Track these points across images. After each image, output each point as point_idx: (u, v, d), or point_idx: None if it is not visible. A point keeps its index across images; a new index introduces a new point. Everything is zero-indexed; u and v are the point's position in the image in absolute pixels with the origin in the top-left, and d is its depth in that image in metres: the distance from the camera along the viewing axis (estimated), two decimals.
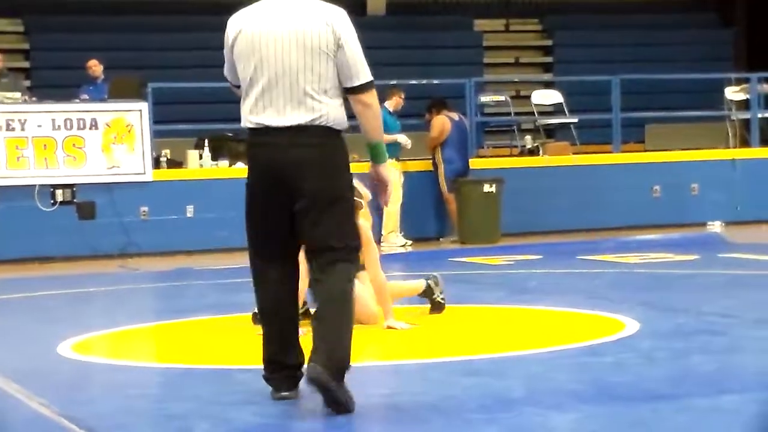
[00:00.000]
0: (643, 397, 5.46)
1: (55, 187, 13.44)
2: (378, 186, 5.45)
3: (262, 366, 5.53)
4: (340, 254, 5.23)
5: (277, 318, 5.44)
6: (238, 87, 5.41)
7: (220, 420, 5.35)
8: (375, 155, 5.40)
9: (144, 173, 13.81)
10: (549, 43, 21.59)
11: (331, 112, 5.26)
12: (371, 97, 5.32)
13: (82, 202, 13.59)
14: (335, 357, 5.11)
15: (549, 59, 21.48)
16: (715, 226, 15.15)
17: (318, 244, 5.24)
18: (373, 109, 5.33)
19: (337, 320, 5.20)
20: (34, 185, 13.33)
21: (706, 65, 19.26)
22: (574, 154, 15.84)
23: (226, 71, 5.47)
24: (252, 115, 5.30)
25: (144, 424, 5.41)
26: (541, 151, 15.85)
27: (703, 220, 15.26)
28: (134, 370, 6.75)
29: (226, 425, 5.26)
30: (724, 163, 15.85)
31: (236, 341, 7.38)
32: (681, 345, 6.87)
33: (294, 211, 5.25)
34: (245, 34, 5.27)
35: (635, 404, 5.32)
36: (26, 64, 18.72)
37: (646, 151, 17.68)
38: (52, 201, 13.45)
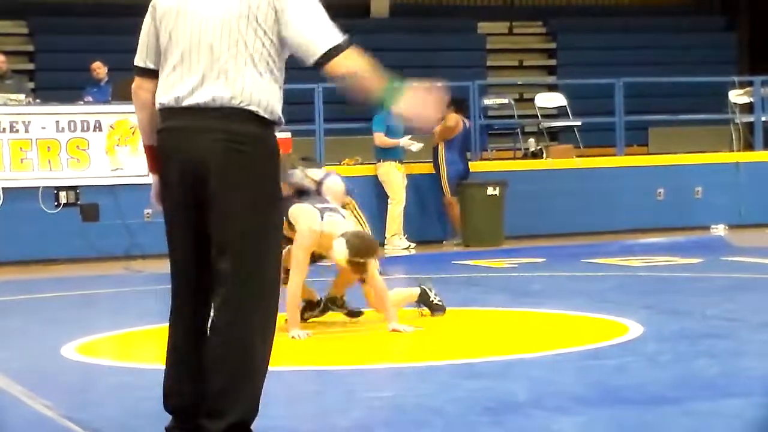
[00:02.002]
0: (647, 400, 5.46)
1: (59, 189, 13.46)
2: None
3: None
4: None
5: None
6: (149, 72, 4.43)
7: None
8: (390, 97, 4.19)
9: (148, 175, 13.78)
10: (552, 46, 21.59)
11: (256, 92, 4.21)
12: (343, 61, 4.15)
13: (86, 204, 13.60)
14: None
15: (553, 62, 21.48)
16: (719, 230, 15.14)
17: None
18: (354, 73, 4.16)
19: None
20: (38, 187, 13.35)
21: (710, 68, 19.25)
22: (577, 157, 15.84)
23: (139, 51, 4.53)
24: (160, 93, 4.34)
25: (149, 426, 5.41)
26: (544, 154, 15.84)
27: (706, 224, 15.25)
28: (139, 372, 6.75)
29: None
30: (728, 167, 15.84)
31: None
32: (685, 348, 6.87)
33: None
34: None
35: (639, 408, 5.32)
36: (30, 66, 18.74)
37: (649, 154, 17.67)
38: (56, 203, 13.47)
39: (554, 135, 18.20)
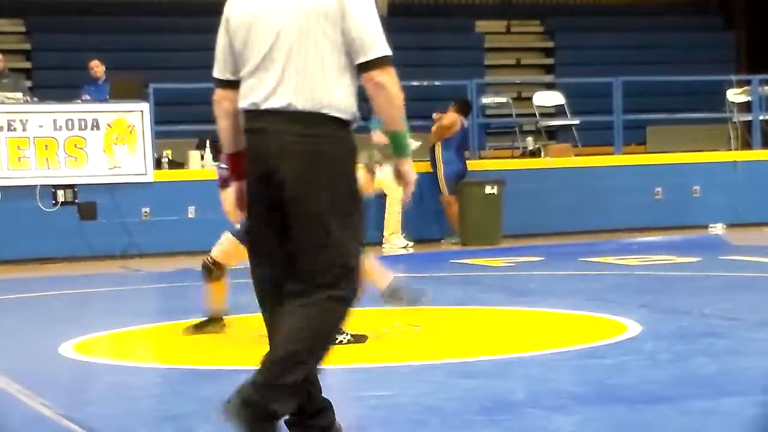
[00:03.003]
0: (644, 399, 5.45)
1: (57, 187, 13.46)
2: (399, 181, 4.46)
3: None
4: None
5: None
6: (229, 83, 4.50)
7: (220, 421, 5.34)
8: (395, 147, 4.40)
9: (145, 174, 13.82)
10: (550, 44, 21.59)
11: (331, 94, 4.31)
12: (385, 75, 4.32)
13: (84, 203, 13.60)
14: None
15: (550, 61, 21.48)
16: (717, 228, 15.14)
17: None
18: (386, 90, 4.30)
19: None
20: (36, 186, 13.34)
21: (708, 67, 19.26)
22: (575, 155, 15.84)
23: (216, 63, 4.57)
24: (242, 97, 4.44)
25: (146, 425, 5.41)
26: (542, 153, 15.85)
27: (704, 222, 15.25)
28: (136, 370, 6.75)
29: (228, 426, 5.26)
30: (726, 165, 15.85)
31: (238, 342, 7.38)
32: (682, 347, 6.86)
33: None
34: (238, 6, 4.43)
35: (637, 406, 5.31)
36: (28, 65, 18.73)
37: (647, 153, 17.67)
38: (53, 201, 13.46)
39: (552, 134, 18.20)
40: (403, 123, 4.39)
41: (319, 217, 4.25)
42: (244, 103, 4.39)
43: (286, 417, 4.43)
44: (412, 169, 4.41)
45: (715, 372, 6.11)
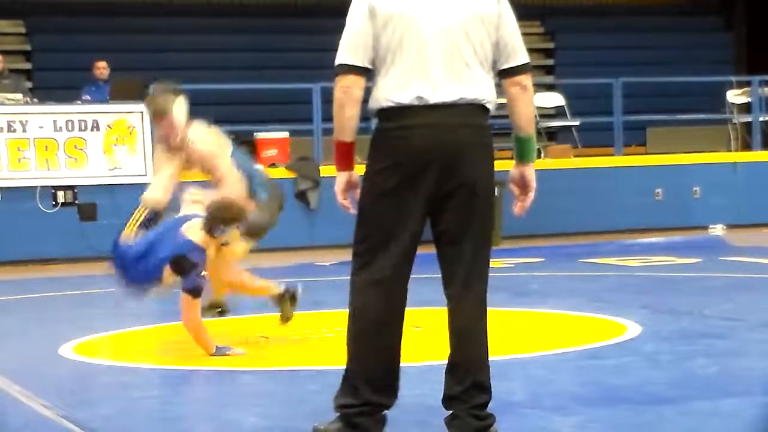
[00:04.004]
0: (645, 400, 5.45)
1: (57, 188, 13.45)
2: (521, 189, 4.71)
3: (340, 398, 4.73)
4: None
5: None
6: (364, 71, 4.53)
7: (224, 422, 5.35)
8: (526, 152, 4.69)
9: (146, 175, 13.80)
10: (551, 45, 21.59)
11: (487, 88, 4.57)
12: (529, 80, 4.67)
13: (84, 204, 13.59)
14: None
15: (550, 62, 21.47)
16: (717, 229, 15.14)
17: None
18: (529, 93, 4.65)
19: None
20: (36, 187, 13.34)
21: (708, 68, 19.26)
22: (575, 156, 15.83)
23: (347, 50, 4.52)
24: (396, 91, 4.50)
25: (147, 426, 5.40)
26: (542, 154, 15.84)
27: (704, 223, 15.25)
28: (137, 371, 6.75)
29: (229, 427, 5.26)
30: (726, 167, 15.84)
31: (238, 343, 7.37)
32: (684, 348, 6.86)
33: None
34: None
35: (638, 407, 5.31)
36: (28, 66, 18.71)
37: (647, 154, 17.67)
38: (53, 202, 13.46)
39: (552, 135, 18.19)
40: (533, 125, 4.72)
41: (488, 210, 4.62)
42: (399, 97, 4.47)
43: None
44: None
45: (716, 373, 6.11)
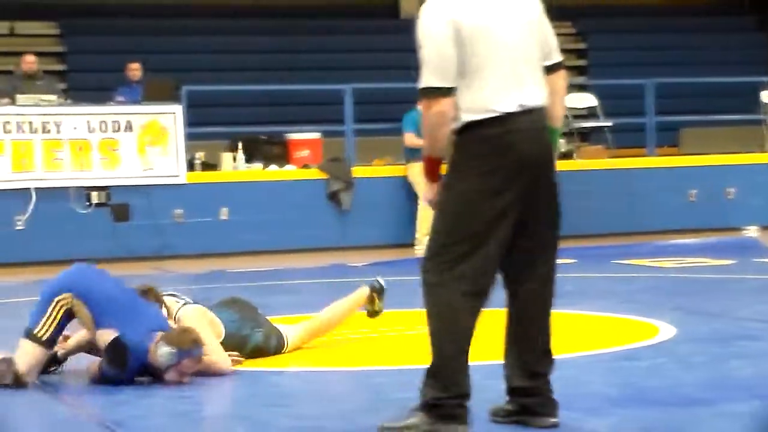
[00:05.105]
0: (679, 402, 5.42)
1: (90, 189, 13.53)
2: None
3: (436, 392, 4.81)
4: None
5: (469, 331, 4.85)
6: (449, 90, 4.68)
7: (256, 422, 5.35)
8: (555, 143, 5.00)
9: (178, 176, 13.87)
10: (583, 46, 21.52)
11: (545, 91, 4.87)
12: (562, 77, 5.01)
13: (117, 204, 13.66)
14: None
15: (583, 62, 21.40)
16: (751, 231, 15.03)
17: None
18: (566, 88, 5.06)
19: None
20: (70, 187, 13.41)
21: (741, 68, 19.12)
22: (608, 157, 15.77)
23: (437, 73, 4.67)
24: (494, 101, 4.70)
25: (179, 426, 5.42)
26: (575, 155, 15.79)
27: (738, 225, 15.14)
28: None
29: (261, 428, 5.27)
30: (760, 167, 15.74)
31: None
32: (717, 350, 6.82)
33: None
34: (468, 15, 4.68)
35: (671, 409, 5.28)
36: (61, 67, 18.84)
37: (681, 154, 17.58)
38: (87, 203, 13.54)
39: (585, 136, 18.13)
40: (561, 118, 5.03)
41: (556, 201, 4.92)
42: (504, 105, 4.70)
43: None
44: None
45: (750, 375, 6.07)
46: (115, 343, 5.95)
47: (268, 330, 6.88)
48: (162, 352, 5.93)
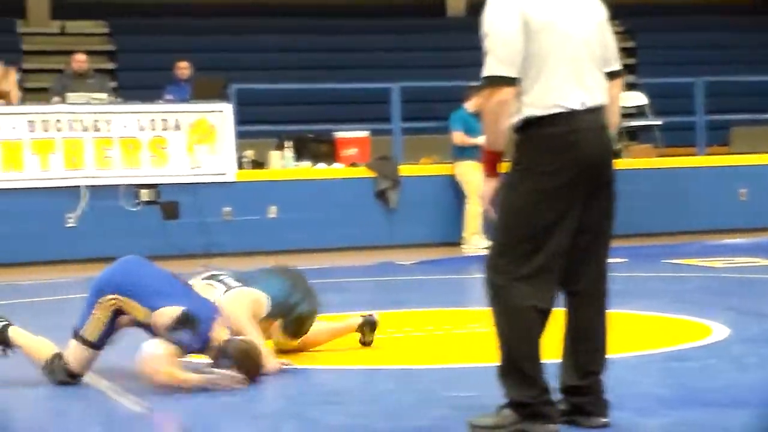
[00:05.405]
0: (731, 403, 5.37)
1: (140, 187, 13.61)
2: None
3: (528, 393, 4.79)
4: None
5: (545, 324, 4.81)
6: (513, 80, 4.67)
7: (307, 420, 5.36)
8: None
9: (226, 174, 13.93)
10: (632, 44, 21.39)
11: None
12: (620, 85, 5.08)
13: (166, 202, 13.74)
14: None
15: (632, 61, 21.26)
16: None
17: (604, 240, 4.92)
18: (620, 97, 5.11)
19: None
20: (120, 185, 13.51)
21: None
22: (657, 156, 15.66)
23: (503, 62, 4.66)
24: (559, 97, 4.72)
25: (230, 423, 5.44)
26: (624, 154, 15.69)
27: None
28: None
29: (312, 425, 5.28)
30: None
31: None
32: None
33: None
34: (537, 8, 4.70)
35: (724, 410, 5.23)
36: (112, 66, 18.98)
37: (731, 153, 17.41)
38: (136, 201, 13.63)
39: (634, 134, 18.00)
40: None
41: (614, 208, 4.90)
42: (569, 102, 4.71)
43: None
44: None
45: None
46: (186, 314, 5.89)
47: (314, 302, 6.85)
48: (223, 364, 5.91)
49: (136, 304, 6.05)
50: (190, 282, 6.59)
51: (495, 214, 4.82)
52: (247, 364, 5.94)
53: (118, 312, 6.11)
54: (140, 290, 6.08)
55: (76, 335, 6.12)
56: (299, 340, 6.90)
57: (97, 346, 6.14)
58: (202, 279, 6.67)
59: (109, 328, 6.14)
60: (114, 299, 6.10)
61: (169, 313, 5.93)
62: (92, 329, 6.10)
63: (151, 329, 6.07)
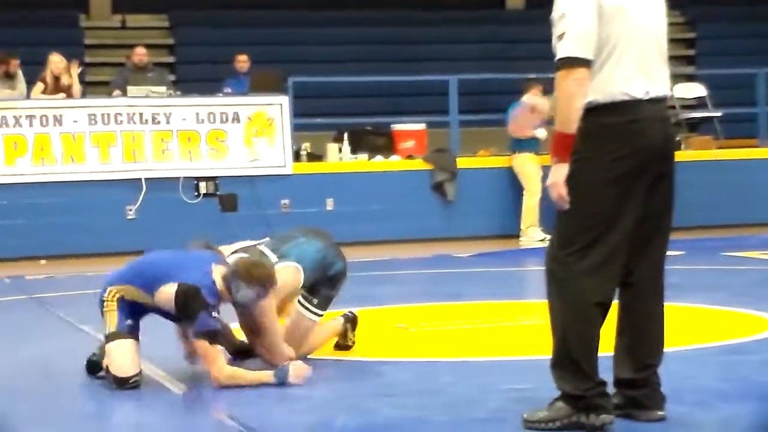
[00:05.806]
0: None
1: (199, 179, 13.71)
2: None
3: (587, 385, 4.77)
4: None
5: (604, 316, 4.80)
6: (587, 62, 4.65)
7: (360, 411, 5.39)
8: None
9: (284, 166, 13.99)
10: (692, 35, 21.18)
11: None
12: None
13: (225, 195, 13.83)
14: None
15: (692, 52, 21.06)
16: None
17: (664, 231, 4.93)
18: None
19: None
20: (179, 177, 13.62)
21: None
22: (717, 148, 15.51)
23: (579, 43, 4.64)
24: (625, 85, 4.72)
25: (286, 413, 5.48)
26: (683, 146, 15.55)
27: None
28: None
29: (365, 416, 5.30)
30: None
31: (374, 334, 7.41)
32: None
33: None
34: None
35: None
36: (171, 59, 19.12)
37: None
38: (195, 193, 13.73)
39: (693, 126, 17.82)
40: None
41: (674, 199, 4.89)
42: (634, 90, 4.70)
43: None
44: None
45: None
46: (182, 289, 5.88)
47: (344, 260, 6.84)
48: (242, 294, 5.94)
49: (136, 291, 6.09)
50: (228, 250, 6.54)
51: (567, 202, 4.67)
52: (258, 274, 5.96)
53: (124, 301, 6.12)
54: (135, 274, 6.16)
55: (106, 338, 6.13)
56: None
57: (126, 334, 6.07)
58: (239, 250, 6.62)
59: (124, 312, 6.10)
60: (115, 289, 6.15)
61: (166, 290, 5.96)
62: (109, 323, 6.11)
63: (165, 312, 6.10)
